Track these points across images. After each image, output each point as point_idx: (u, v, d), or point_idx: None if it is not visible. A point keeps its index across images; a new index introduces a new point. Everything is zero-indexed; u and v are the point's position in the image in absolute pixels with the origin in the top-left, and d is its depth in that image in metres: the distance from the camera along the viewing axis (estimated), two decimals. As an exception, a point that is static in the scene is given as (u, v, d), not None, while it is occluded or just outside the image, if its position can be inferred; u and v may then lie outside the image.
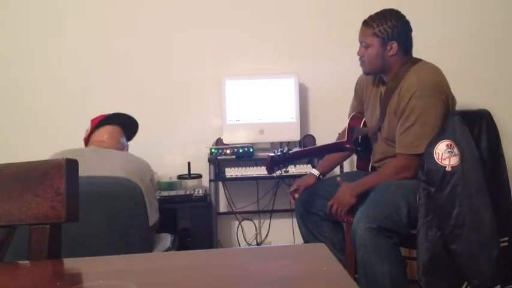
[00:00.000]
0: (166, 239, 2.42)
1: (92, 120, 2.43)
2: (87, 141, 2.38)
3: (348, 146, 2.53)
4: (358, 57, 2.34)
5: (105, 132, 2.35)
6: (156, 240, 2.36)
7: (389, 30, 2.23)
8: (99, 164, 2.09)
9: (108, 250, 1.82)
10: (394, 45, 2.24)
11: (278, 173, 2.34)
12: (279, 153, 2.34)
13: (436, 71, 2.25)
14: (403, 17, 2.28)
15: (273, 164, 2.30)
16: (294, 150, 2.48)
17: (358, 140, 2.48)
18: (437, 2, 3.28)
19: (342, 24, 3.26)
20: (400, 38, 2.25)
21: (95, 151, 2.23)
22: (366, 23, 2.28)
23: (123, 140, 2.42)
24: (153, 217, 2.19)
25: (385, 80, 2.35)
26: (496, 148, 2.15)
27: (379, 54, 2.26)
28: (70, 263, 1.00)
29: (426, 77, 2.19)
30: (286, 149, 2.36)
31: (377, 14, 2.28)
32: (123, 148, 2.40)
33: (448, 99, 2.20)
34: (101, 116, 2.41)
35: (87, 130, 2.41)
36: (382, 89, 2.36)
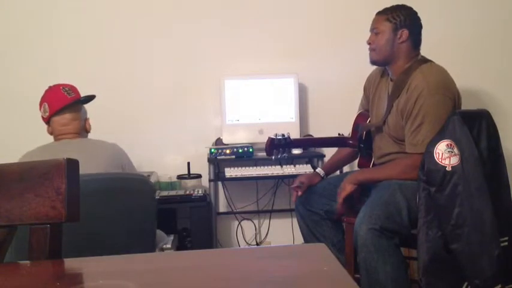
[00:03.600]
0: (162, 235, 2.44)
1: (47, 95, 2.38)
2: (47, 121, 2.37)
3: (351, 142, 2.54)
4: (368, 45, 2.37)
5: (67, 117, 2.32)
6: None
7: (402, 18, 2.29)
8: (83, 159, 2.11)
9: (125, 246, 1.85)
10: (405, 32, 2.29)
11: (278, 156, 2.35)
12: (279, 137, 2.35)
13: (443, 72, 2.26)
14: (415, 12, 2.35)
15: (272, 147, 2.31)
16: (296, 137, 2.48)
17: (362, 137, 2.48)
18: (437, 2, 3.28)
19: (341, 24, 3.26)
20: (411, 28, 2.30)
21: (68, 144, 2.25)
22: (379, 12, 2.35)
23: (82, 113, 2.40)
24: None
25: (391, 78, 2.37)
26: (495, 148, 2.15)
27: (389, 40, 2.29)
28: (70, 263, 1.00)
29: (433, 77, 2.21)
30: (287, 133, 2.37)
31: (391, 6, 2.35)
32: (85, 122, 2.39)
33: (455, 96, 2.21)
34: (57, 88, 2.37)
35: (44, 107, 2.37)
36: (391, 85, 2.37)
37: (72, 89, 2.38)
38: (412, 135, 2.20)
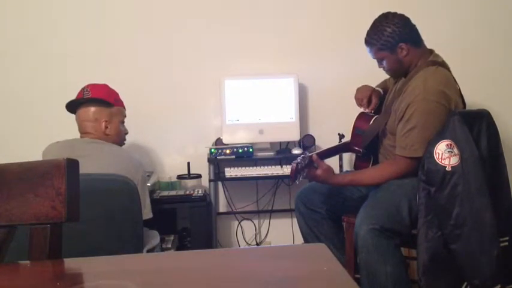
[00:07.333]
0: (153, 234, 2.44)
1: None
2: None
3: (356, 148, 2.52)
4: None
5: (80, 116, 2.39)
6: (146, 236, 2.38)
7: (390, 39, 2.25)
8: (97, 159, 2.18)
9: (103, 246, 1.84)
10: (402, 45, 2.26)
11: (300, 179, 2.25)
12: (300, 159, 2.25)
13: (445, 79, 2.22)
14: (394, 16, 2.28)
15: (297, 171, 2.22)
16: (313, 153, 2.41)
17: (366, 143, 2.47)
18: (438, 2, 3.28)
19: (341, 24, 3.26)
20: (403, 37, 2.26)
21: (89, 143, 2.31)
22: (367, 43, 2.32)
23: (104, 115, 2.40)
24: (144, 214, 2.20)
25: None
26: (495, 148, 2.15)
27: (395, 60, 2.30)
28: (70, 263, 1.00)
29: (432, 83, 2.17)
30: (307, 154, 2.33)
31: (371, 28, 2.30)
32: (103, 124, 2.39)
33: (451, 103, 2.16)
34: (84, 87, 2.42)
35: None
36: (399, 84, 2.39)
37: (93, 89, 2.38)
38: (402, 137, 2.19)
